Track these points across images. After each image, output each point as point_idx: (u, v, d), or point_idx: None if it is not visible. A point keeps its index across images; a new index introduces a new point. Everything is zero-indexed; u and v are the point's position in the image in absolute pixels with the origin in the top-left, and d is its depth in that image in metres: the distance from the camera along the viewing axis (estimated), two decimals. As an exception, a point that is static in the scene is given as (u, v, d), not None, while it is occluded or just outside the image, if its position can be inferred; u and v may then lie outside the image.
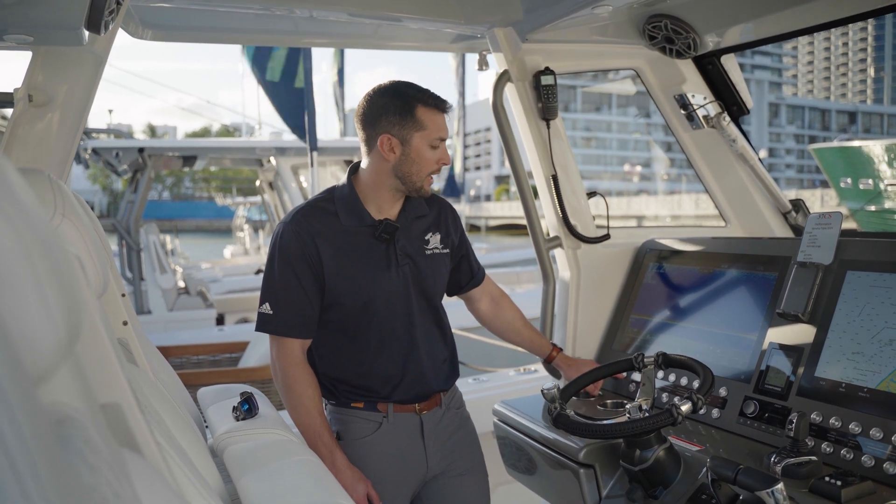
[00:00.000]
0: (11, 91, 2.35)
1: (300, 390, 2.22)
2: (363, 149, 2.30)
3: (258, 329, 2.27)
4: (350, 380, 2.30)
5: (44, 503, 0.45)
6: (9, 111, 2.39)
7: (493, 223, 66.94)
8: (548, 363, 2.73)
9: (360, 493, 2.16)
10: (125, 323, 1.82)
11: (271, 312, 2.23)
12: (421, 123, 2.20)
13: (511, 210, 67.93)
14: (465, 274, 2.58)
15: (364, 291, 2.24)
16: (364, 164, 2.32)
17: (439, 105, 2.25)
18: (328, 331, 2.30)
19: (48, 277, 0.64)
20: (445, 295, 2.58)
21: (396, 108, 2.20)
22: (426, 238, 2.39)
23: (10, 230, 0.59)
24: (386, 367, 2.29)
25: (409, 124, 2.20)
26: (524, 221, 3.17)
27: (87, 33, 2.19)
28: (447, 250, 2.44)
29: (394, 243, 2.29)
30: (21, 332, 0.59)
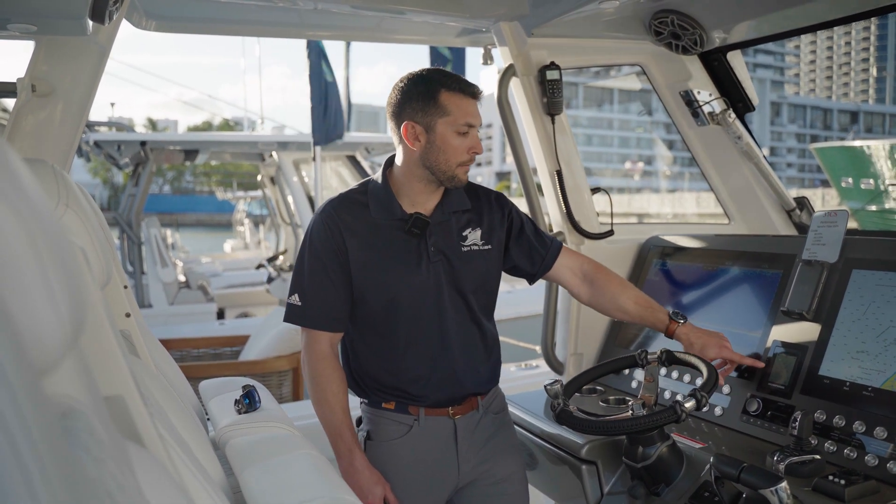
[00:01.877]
0: (14, 81, 2.35)
1: (324, 385, 2.17)
2: (394, 140, 2.21)
3: (286, 320, 2.22)
4: (380, 378, 2.23)
5: (49, 495, 0.45)
6: (11, 101, 2.39)
7: (493, 219, 66.79)
8: (669, 337, 2.37)
9: (377, 495, 2.11)
10: (128, 315, 1.82)
11: (300, 304, 2.18)
12: (444, 109, 2.08)
13: (512, 206, 67.68)
14: (530, 259, 2.39)
15: (389, 288, 2.17)
16: (397, 157, 2.24)
17: (465, 89, 2.12)
18: (359, 327, 2.24)
19: (53, 268, 0.64)
20: (526, 283, 2.49)
21: (419, 93, 2.11)
22: (464, 234, 2.26)
23: (16, 220, 0.58)
24: (414, 366, 2.21)
25: (433, 110, 2.09)
26: (527, 217, 3.16)
27: (90, 23, 2.19)
28: (489, 246, 2.29)
29: (425, 238, 2.19)
30: (27, 324, 0.59)
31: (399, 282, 2.17)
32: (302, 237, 2.27)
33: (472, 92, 2.13)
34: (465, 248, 2.25)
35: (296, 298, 2.19)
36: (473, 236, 2.27)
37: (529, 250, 2.39)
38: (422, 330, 2.21)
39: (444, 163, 2.12)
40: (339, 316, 2.20)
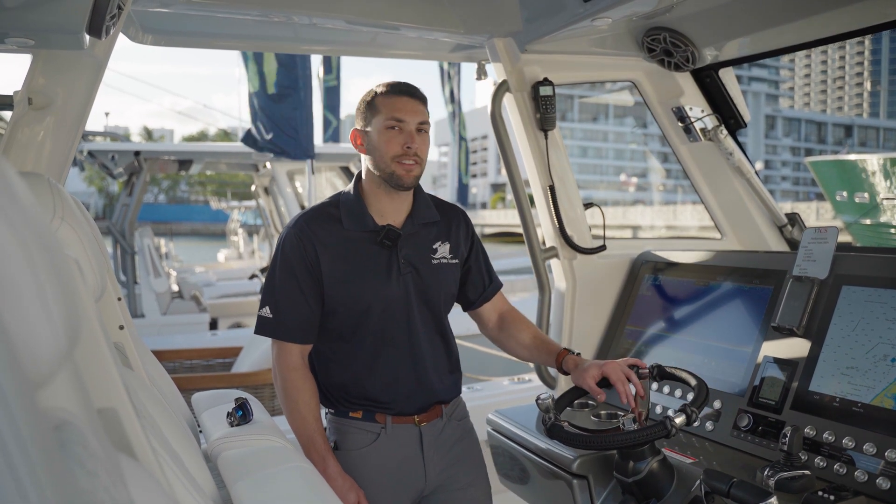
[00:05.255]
0: (11, 94, 2.35)
1: (296, 395, 2.21)
2: None
3: (257, 332, 2.26)
4: (348, 388, 2.28)
5: (42, 508, 0.46)
6: (8, 114, 2.39)
7: (488, 231, 67.00)
8: (560, 369, 2.41)
9: (351, 501, 2.14)
10: (121, 327, 1.82)
11: (271, 316, 2.23)
12: (377, 109, 2.20)
13: (507, 218, 68.02)
14: (475, 287, 2.48)
15: (361, 299, 2.22)
16: None
17: (394, 88, 2.23)
18: (328, 338, 2.28)
19: (49, 282, 0.64)
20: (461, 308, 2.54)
21: (363, 103, 2.25)
22: (434, 247, 2.33)
23: (12, 234, 0.59)
24: (384, 376, 2.26)
25: (369, 114, 2.22)
26: (520, 230, 3.18)
27: (87, 37, 2.20)
28: (456, 261, 2.38)
29: (396, 251, 2.25)
30: (23, 338, 0.59)
31: (371, 294, 2.22)
32: None
33: (400, 90, 2.23)
34: (436, 261, 2.33)
35: (267, 311, 2.24)
36: (443, 249, 2.35)
37: (478, 278, 2.48)
38: (391, 340, 2.26)
39: (381, 159, 2.20)
40: (310, 328, 2.25)
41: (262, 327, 2.25)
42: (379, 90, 2.24)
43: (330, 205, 2.31)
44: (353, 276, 2.22)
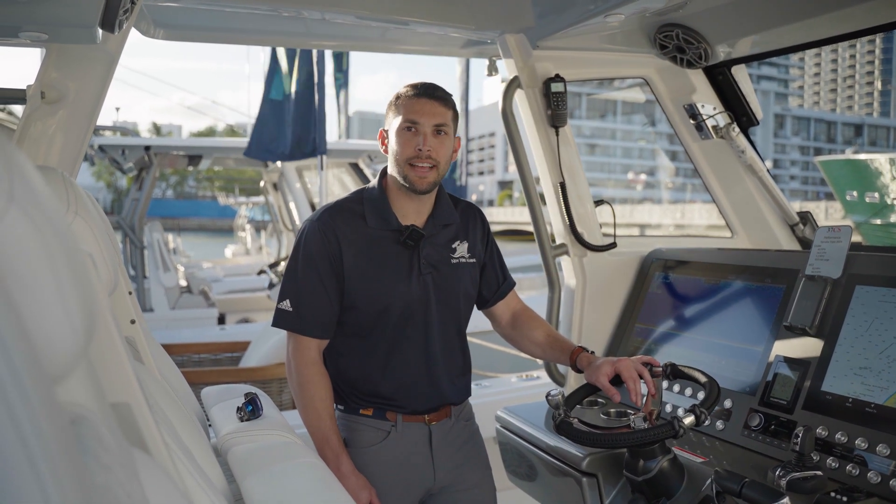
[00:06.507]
0: (24, 88, 2.36)
1: (312, 391, 2.19)
2: None
3: (275, 325, 2.24)
4: (360, 385, 2.27)
5: (61, 502, 0.45)
6: (21, 108, 2.40)
7: (495, 228, 66.67)
8: (574, 367, 2.38)
9: (364, 500, 2.13)
10: (133, 321, 1.82)
11: (291, 310, 2.21)
12: (398, 110, 2.20)
13: (514, 216, 68.03)
14: (489, 285, 2.48)
15: (381, 297, 2.21)
16: None
17: (413, 88, 2.21)
18: (343, 334, 2.27)
19: (66, 276, 0.64)
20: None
21: (389, 104, 2.25)
22: (453, 246, 2.33)
23: (32, 228, 0.59)
24: (398, 375, 2.25)
25: (392, 114, 2.22)
26: (527, 227, 3.17)
27: (100, 32, 2.20)
28: (474, 260, 2.38)
29: (418, 251, 2.25)
30: (42, 333, 0.59)
31: (391, 292, 2.21)
32: None
33: (418, 92, 2.20)
34: (455, 261, 2.33)
35: (287, 304, 2.22)
36: (461, 249, 2.35)
37: (492, 276, 2.48)
38: (408, 339, 2.26)
39: (396, 162, 2.21)
40: (329, 323, 2.23)
41: (282, 320, 2.23)
42: (402, 91, 2.23)
43: (353, 200, 2.30)
44: (374, 274, 2.21)
